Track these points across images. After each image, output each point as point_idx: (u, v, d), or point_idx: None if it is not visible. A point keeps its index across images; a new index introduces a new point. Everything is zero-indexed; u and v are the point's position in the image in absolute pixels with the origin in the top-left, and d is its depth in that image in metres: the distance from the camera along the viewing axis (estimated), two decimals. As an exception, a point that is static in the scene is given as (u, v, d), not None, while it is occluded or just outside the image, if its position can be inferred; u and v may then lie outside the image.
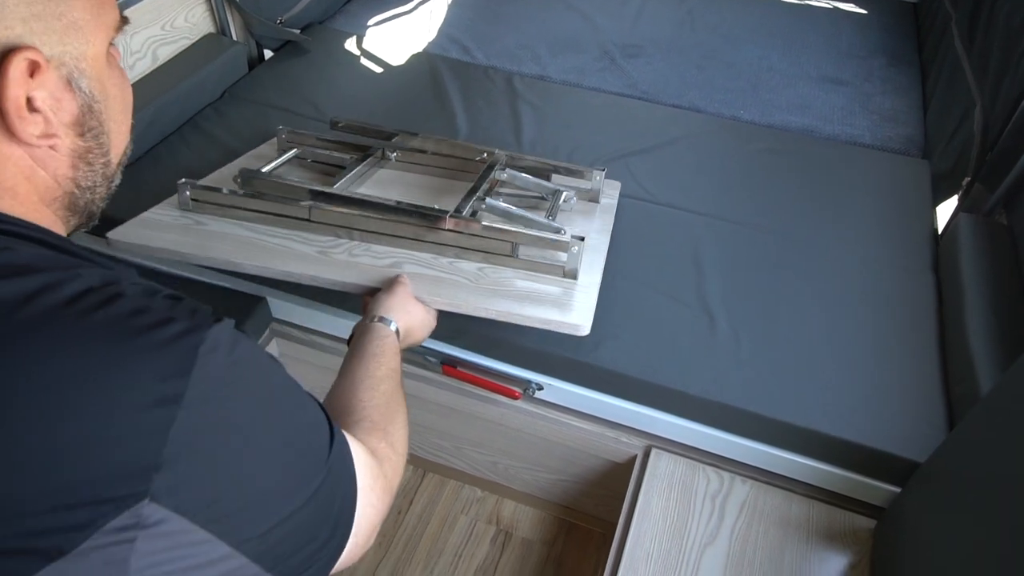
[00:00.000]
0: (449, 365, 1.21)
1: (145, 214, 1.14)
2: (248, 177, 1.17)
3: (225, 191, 1.12)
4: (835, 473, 1.08)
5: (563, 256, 1.07)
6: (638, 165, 1.56)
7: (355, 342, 0.87)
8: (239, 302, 1.25)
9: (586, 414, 1.20)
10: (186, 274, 1.31)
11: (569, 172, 1.31)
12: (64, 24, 0.49)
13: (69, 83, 0.50)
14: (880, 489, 1.06)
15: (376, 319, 0.90)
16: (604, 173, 1.30)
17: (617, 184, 1.41)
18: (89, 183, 0.55)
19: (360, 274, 1.05)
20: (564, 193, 1.21)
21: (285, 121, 1.60)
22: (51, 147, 0.50)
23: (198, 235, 1.10)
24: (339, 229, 1.12)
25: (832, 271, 1.31)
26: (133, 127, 0.61)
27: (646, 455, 1.16)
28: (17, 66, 0.46)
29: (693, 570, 1.02)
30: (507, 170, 1.27)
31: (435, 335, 1.22)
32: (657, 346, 1.16)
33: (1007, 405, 0.81)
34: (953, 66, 1.73)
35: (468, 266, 1.09)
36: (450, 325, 1.19)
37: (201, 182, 1.15)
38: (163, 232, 1.10)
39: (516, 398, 1.18)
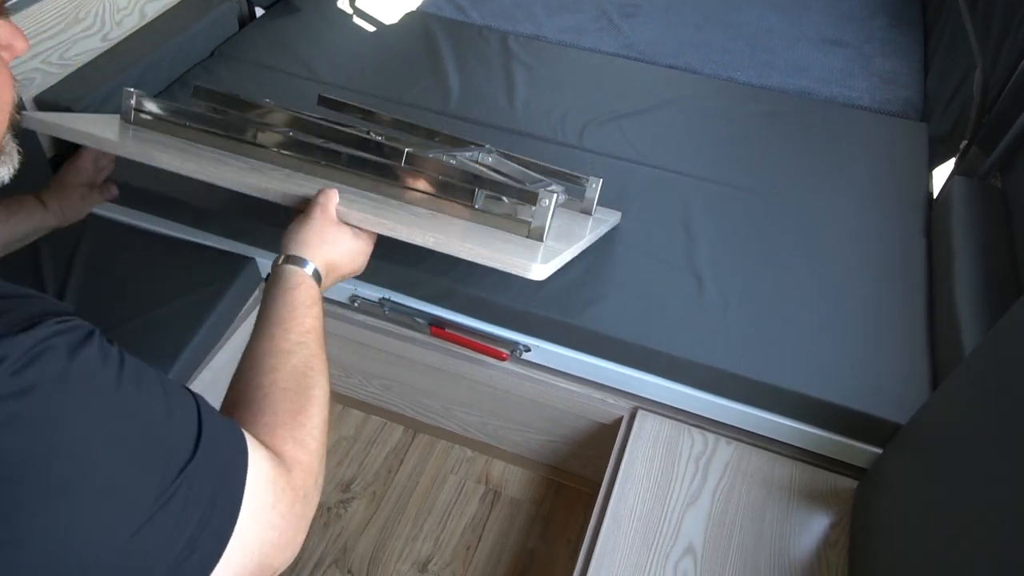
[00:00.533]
0: (437, 326, 1.22)
1: (78, 114, 1.09)
2: (201, 91, 1.07)
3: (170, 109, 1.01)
4: (819, 435, 1.09)
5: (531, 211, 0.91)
6: (631, 127, 1.54)
7: (264, 295, 0.73)
8: (227, 262, 1.25)
9: (573, 376, 1.21)
10: (175, 234, 1.31)
11: (564, 177, 1.15)
12: None
13: None
14: (863, 451, 1.07)
15: (285, 259, 0.74)
16: (600, 183, 1.14)
17: (618, 214, 1.27)
18: None
19: (290, 187, 0.86)
20: (552, 186, 1.07)
21: (276, 83, 1.58)
22: None
23: (126, 135, 0.99)
24: (285, 158, 0.99)
25: (824, 235, 1.31)
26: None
27: (632, 417, 1.17)
28: None
29: (675, 528, 1.03)
30: (492, 155, 1.16)
31: (423, 295, 1.23)
32: (644, 309, 1.16)
33: (986, 368, 0.81)
34: (955, 27, 1.70)
35: (421, 210, 0.94)
36: (438, 285, 1.20)
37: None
38: (90, 125, 0.98)
39: (504, 359, 1.19)
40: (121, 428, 0.45)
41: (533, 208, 0.89)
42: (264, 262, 1.28)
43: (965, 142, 1.49)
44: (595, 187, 1.14)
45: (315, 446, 0.61)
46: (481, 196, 0.93)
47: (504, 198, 0.93)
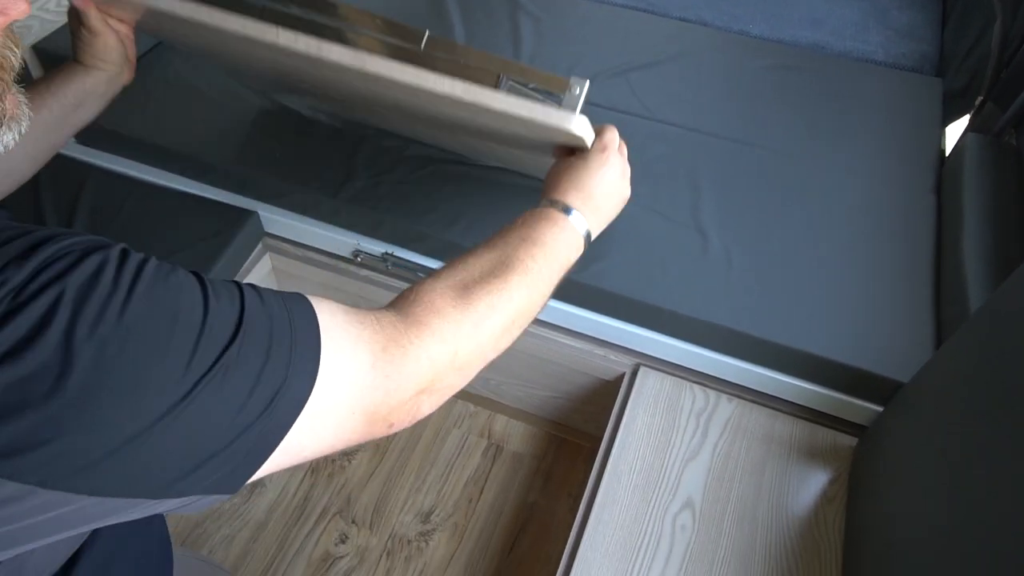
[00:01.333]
0: (440, 281, 1.21)
1: None
2: None
3: None
4: (820, 393, 1.09)
5: (559, 100, 0.87)
6: (639, 80, 1.51)
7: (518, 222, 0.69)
8: (230, 215, 1.25)
9: (576, 332, 1.21)
10: (176, 186, 1.30)
11: (542, 81, 0.95)
12: None
13: None
14: (864, 408, 1.07)
15: (560, 207, 0.71)
16: (587, 85, 0.95)
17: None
18: None
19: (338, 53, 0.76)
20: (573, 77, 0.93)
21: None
22: None
23: None
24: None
25: (832, 191, 1.29)
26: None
27: (634, 373, 1.17)
28: None
29: (675, 482, 1.04)
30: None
31: (427, 250, 1.22)
32: (647, 265, 1.15)
33: (991, 326, 0.80)
34: (975, -22, 1.65)
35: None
36: (443, 240, 1.19)
37: None
38: None
39: (506, 315, 1.19)
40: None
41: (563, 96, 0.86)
42: (267, 216, 1.27)
43: (980, 98, 1.46)
44: (579, 92, 0.95)
45: (465, 322, 0.57)
46: (506, 81, 0.88)
47: (529, 86, 0.89)
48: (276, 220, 1.27)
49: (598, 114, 1.42)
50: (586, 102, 0.92)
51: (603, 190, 0.78)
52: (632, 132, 1.38)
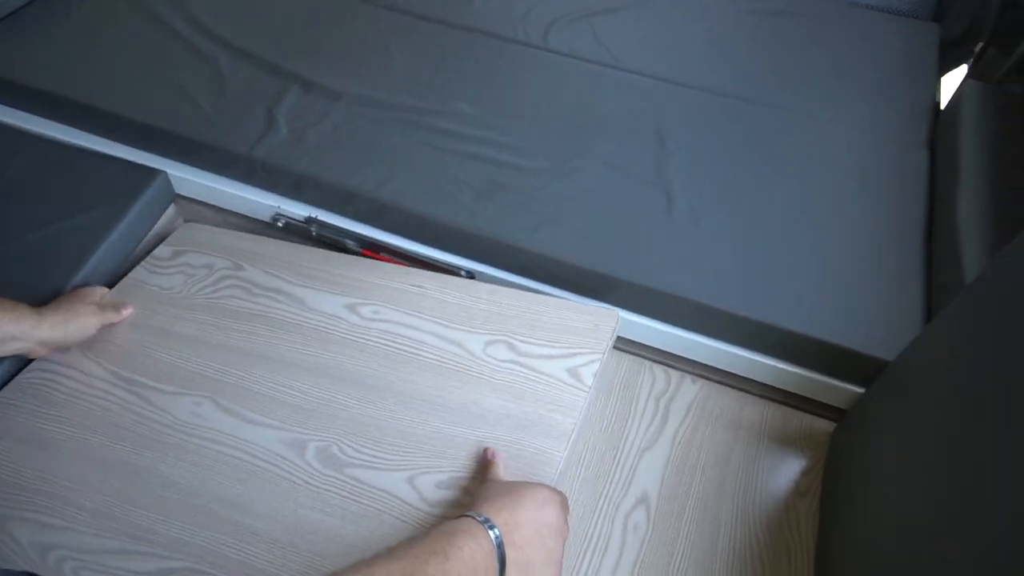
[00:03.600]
0: (370, 248, 1.08)
1: None
2: None
3: None
4: (796, 373, 0.96)
5: None
6: (604, 25, 1.36)
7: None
8: (136, 175, 1.10)
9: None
10: (73, 140, 1.15)
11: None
12: None
13: None
14: (844, 390, 0.95)
15: (478, 518, 0.63)
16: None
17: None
18: None
19: None
20: None
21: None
22: None
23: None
24: None
25: (815, 146, 1.15)
26: None
27: (588, 351, 1.04)
28: None
29: (628, 476, 0.92)
30: None
31: (355, 214, 1.08)
32: (604, 230, 1.02)
33: (987, 300, 0.67)
34: (978, -88, 1.49)
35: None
36: (371, 201, 1.05)
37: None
38: None
39: (445, 286, 1.05)
40: None
41: None
42: (177, 175, 1.13)
43: (981, 44, 1.32)
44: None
45: None
46: None
47: None
48: (187, 180, 1.13)
49: (558, 62, 1.28)
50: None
51: (534, 516, 0.67)
52: (595, 82, 1.25)
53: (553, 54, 1.30)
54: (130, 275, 1.04)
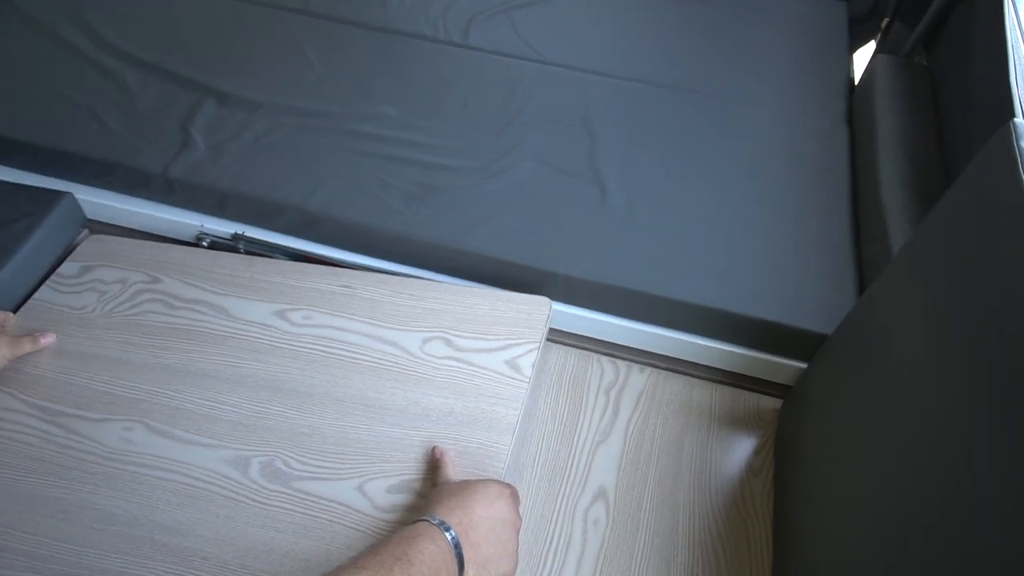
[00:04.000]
0: (303, 262, 1.04)
1: None
2: None
3: None
4: (739, 353, 0.98)
5: None
6: (524, 19, 1.35)
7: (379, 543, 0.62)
8: (38, 199, 1.03)
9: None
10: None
11: None
12: None
13: None
14: (788, 366, 0.96)
15: (433, 521, 0.65)
16: None
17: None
18: None
19: None
20: None
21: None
22: None
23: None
24: None
25: (739, 130, 1.17)
26: None
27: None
28: None
29: (584, 471, 0.91)
30: None
31: (284, 227, 1.05)
32: (540, 225, 1.01)
33: (916, 267, 0.69)
34: None
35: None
36: (301, 213, 1.02)
37: None
38: None
39: (383, 295, 1.02)
40: None
41: None
42: (86, 199, 1.06)
43: (887, 20, 1.36)
44: None
45: None
46: None
47: None
48: (99, 204, 1.06)
49: (480, 59, 1.26)
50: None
51: (486, 513, 0.68)
52: (519, 77, 1.23)
53: (475, 51, 1.28)
54: (34, 296, 0.97)
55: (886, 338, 0.73)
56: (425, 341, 0.92)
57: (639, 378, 1.01)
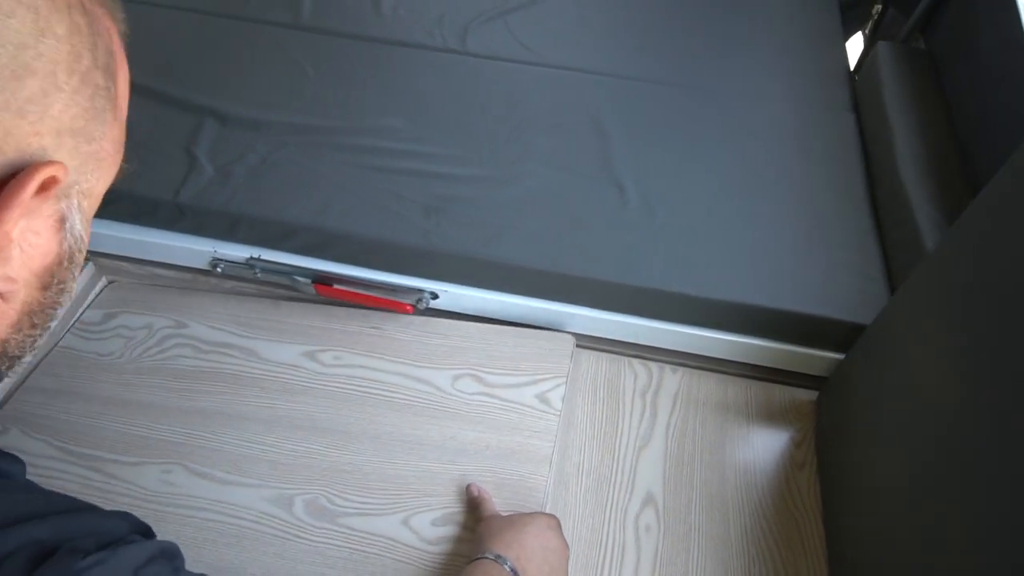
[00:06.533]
0: (322, 283, 1.01)
1: None
2: None
3: None
4: (772, 348, 0.97)
5: None
6: (519, 23, 1.34)
7: None
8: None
9: (491, 319, 1.04)
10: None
11: None
12: (92, 151, 0.37)
13: (62, 222, 0.36)
14: (821, 358, 0.96)
15: (490, 556, 0.67)
16: None
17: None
18: (19, 351, 0.39)
19: None
20: None
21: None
22: (2, 294, 0.36)
23: None
24: None
25: (744, 122, 1.17)
26: None
27: (564, 356, 1.02)
28: (32, 185, 0.32)
29: (630, 476, 0.90)
30: None
31: (299, 247, 1.02)
32: (563, 230, 0.99)
33: (959, 255, 0.69)
34: None
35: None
36: (317, 232, 0.99)
37: None
38: None
39: (408, 312, 1.00)
40: None
41: None
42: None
43: (879, 7, 1.38)
44: None
45: None
46: None
47: None
48: (102, 235, 1.02)
49: (478, 65, 1.25)
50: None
51: (539, 544, 0.71)
52: (519, 80, 1.22)
53: (473, 57, 1.27)
54: (60, 345, 0.94)
55: (929, 327, 0.73)
56: (456, 378, 0.93)
57: (672, 379, 1.00)
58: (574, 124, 1.15)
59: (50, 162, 0.34)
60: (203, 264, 1.03)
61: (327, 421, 0.87)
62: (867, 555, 0.76)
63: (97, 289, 1.06)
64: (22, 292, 0.37)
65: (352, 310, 0.99)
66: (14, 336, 0.38)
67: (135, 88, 1.23)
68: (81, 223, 0.38)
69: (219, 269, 1.02)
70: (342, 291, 1.00)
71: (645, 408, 0.96)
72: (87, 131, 0.36)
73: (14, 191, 0.32)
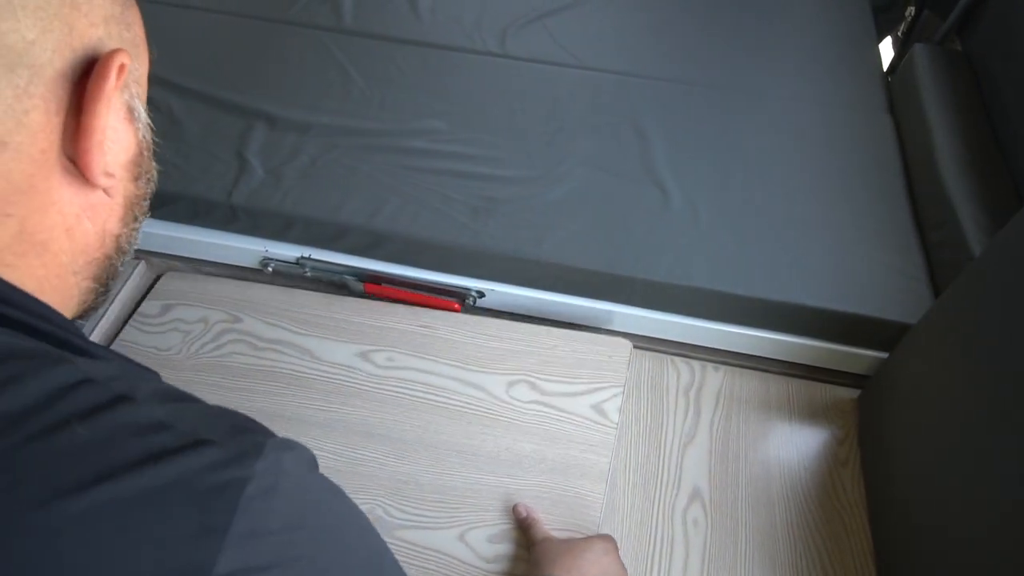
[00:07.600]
0: (372, 282, 1.03)
1: None
2: None
3: None
4: (814, 346, 0.99)
5: None
6: (558, 26, 1.36)
7: None
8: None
9: (536, 318, 1.06)
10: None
11: None
12: (131, 37, 0.38)
13: (131, 112, 0.38)
14: (863, 356, 0.98)
15: None
16: None
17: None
18: (127, 246, 0.42)
19: None
20: None
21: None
22: (107, 191, 0.37)
23: None
24: None
25: (782, 124, 1.18)
26: None
27: (607, 354, 1.03)
28: (112, 75, 0.33)
29: (676, 473, 0.92)
30: None
31: (349, 247, 1.04)
32: (607, 230, 1.01)
33: (1007, 258, 0.70)
34: None
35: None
36: (366, 233, 1.01)
37: None
38: None
39: (456, 310, 1.02)
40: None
41: None
42: (144, 230, 1.05)
43: (912, 9, 1.39)
44: None
45: None
46: None
47: None
48: (153, 235, 1.05)
49: (519, 67, 1.27)
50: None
51: (599, 570, 0.70)
52: (559, 83, 1.24)
53: (513, 60, 1.29)
54: (120, 337, 0.96)
55: (976, 327, 0.75)
56: (510, 384, 0.92)
57: (715, 377, 1.02)
58: (614, 126, 1.16)
59: (116, 50, 0.34)
60: (253, 263, 1.06)
61: (382, 427, 0.88)
62: (914, 552, 0.78)
63: (148, 287, 1.08)
64: (120, 186, 0.39)
65: (402, 307, 1.01)
66: (124, 230, 0.41)
67: (185, 91, 1.26)
68: (145, 111, 0.40)
69: (269, 268, 1.05)
70: (391, 290, 1.03)
71: (689, 406, 0.98)
72: (124, 17, 0.37)
73: (98, 83, 0.33)
